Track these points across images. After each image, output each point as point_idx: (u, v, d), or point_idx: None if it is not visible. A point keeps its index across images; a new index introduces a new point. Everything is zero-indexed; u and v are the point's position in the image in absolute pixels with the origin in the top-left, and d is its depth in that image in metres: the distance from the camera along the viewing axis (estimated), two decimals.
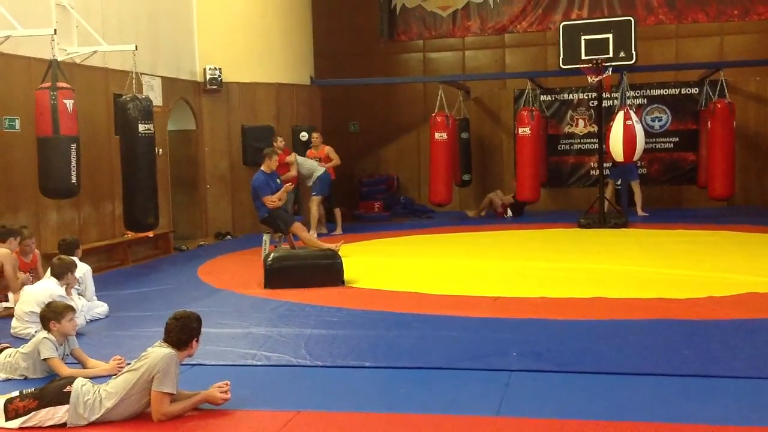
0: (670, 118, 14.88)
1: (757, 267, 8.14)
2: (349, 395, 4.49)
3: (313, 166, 11.98)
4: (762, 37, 15.11)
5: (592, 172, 14.71)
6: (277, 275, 7.74)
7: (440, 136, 13.64)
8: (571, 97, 15.28)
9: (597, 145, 12.93)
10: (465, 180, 14.95)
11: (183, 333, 4.19)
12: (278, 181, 9.41)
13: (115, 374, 4.39)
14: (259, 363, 5.16)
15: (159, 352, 4.12)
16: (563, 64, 12.18)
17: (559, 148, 15.32)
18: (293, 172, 11.74)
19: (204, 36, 12.60)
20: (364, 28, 16.24)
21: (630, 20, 11.98)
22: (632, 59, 11.82)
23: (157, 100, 10.81)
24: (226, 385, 4.26)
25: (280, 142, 12.07)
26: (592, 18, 13.73)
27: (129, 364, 4.33)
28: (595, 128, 13.75)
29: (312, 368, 5.03)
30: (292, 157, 11.92)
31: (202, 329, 4.34)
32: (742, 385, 4.43)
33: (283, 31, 13.22)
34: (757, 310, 6.15)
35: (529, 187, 13.47)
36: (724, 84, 13.36)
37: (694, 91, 14.72)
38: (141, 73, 10.12)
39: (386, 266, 9.20)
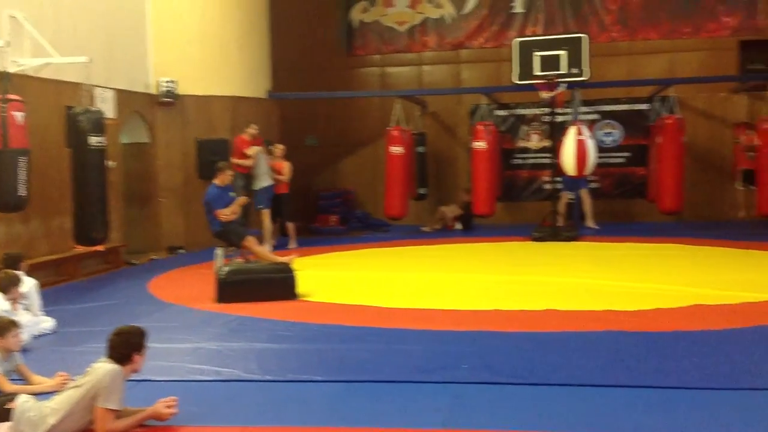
0: (621, 133, 15.14)
1: (705, 280, 8.30)
2: (299, 410, 4.47)
3: (264, 171, 11.94)
4: (712, 54, 15.44)
5: (546, 186, 14.88)
6: (230, 289, 7.67)
7: (396, 150, 13.69)
8: (525, 112, 15.46)
9: (550, 160, 13.09)
10: (421, 194, 15.01)
11: (125, 348, 4.13)
12: (231, 194, 9.36)
13: (60, 390, 4.30)
14: (208, 378, 5.11)
15: (103, 367, 4.05)
16: (517, 80, 12.33)
17: (513, 162, 15.50)
18: (248, 162, 11.74)
19: (159, 48, 12.48)
20: (322, 42, 16.26)
21: (583, 37, 12.17)
22: (585, 76, 12.01)
23: (110, 112, 10.68)
24: (173, 400, 4.20)
25: (253, 128, 12.05)
26: (546, 35, 13.91)
27: (74, 380, 4.25)
28: (548, 143, 13.92)
29: (262, 383, 5.00)
30: (254, 150, 11.86)
31: (149, 344, 4.28)
32: (691, 396, 4.50)
33: (240, 44, 13.17)
34: (704, 322, 6.27)
35: (485, 201, 13.57)
36: (674, 100, 13.62)
37: (645, 107, 15.00)
38: (94, 86, 10.00)
39: (341, 280, 9.19)
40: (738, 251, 10.55)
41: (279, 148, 12.52)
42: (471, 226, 14.28)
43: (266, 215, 11.78)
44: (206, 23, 12.73)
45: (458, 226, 14.21)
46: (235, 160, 11.75)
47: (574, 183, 13.44)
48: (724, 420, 4.09)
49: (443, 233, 13.87)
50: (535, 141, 15.44)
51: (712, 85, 15.09)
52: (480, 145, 13.43)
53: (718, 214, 14.57)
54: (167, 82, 12.29)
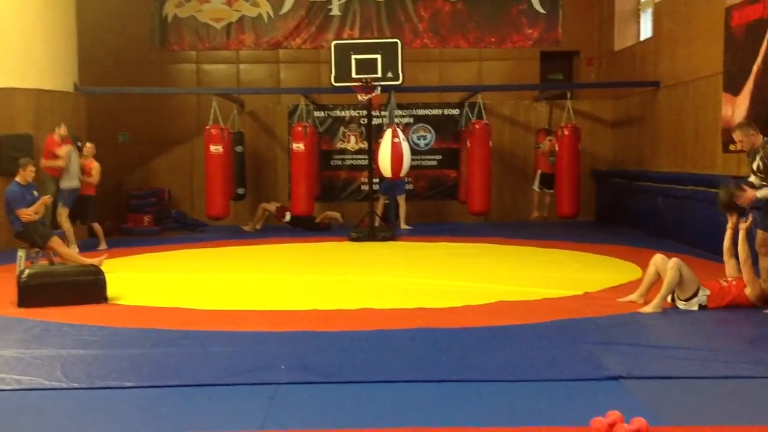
0: (434, 137, 15.73)
1: (508, 277, 8.79)
2: (108, 417, 4.31)
3: (75, 171, 11.40)
4: (516, 63, 16.42)
5: (363, 187, 15.18)
6: (33, 293, 7.25)
7: (215, 149, 13.49)
8: (343, 114, 15.70)
9: (367, 161, 13.37)
10: (239, 194, 14.86)
11: None
12: (35, 193, 8.85)
13: None
14: (8, 387, 4.80)
15: None
16: (335, 82, 12.51)
17: (331, 163, 15.69)
18: (60, 162, 11.14)
19: None
20: (135, 36, 15.71)
21: (397, 43, 12.53)
22: (399, 80, 12.38)
23: None
24: None
25: (63, 129, 11.42)
26: (362, 38, 14.19)
27: None
28: (365, 145, 14.21)
29: (68, 391, 4.76)
30: (65, 150, 11.24)
31: None
32: (495, 387, 4.73)
33: (44, 35, 12.42)
34: (507, 317, 6.62)
35: (304, 202, 13.66)
36: (482, 106, 14.32)
37: (455, 112, 15.66)
38: None
39: (154, 282, 8.92)
40: (539, 250, 11.25)
41: (88, 147, 11.97)
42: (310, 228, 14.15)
43: (64, 215, 11.23)
44: (6, 12, 11.90)
45: (287, 218, 14.14)
46: (45, 162, 11.10)
47: (391, 187, 13.81)
48: (523, 410, 4.35)
49: (264, 233, 13.79)
50: (352, 143, 15.71)
51: (516, 92, 16.04)
52: (299, 146, 13.49)
53: (522, 215, 15.47)
54: None
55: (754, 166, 6.95)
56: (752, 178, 6.97)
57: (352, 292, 7.97)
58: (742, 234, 6.91)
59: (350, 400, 4.54)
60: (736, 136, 7.15)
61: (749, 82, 9.92)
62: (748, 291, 6.84)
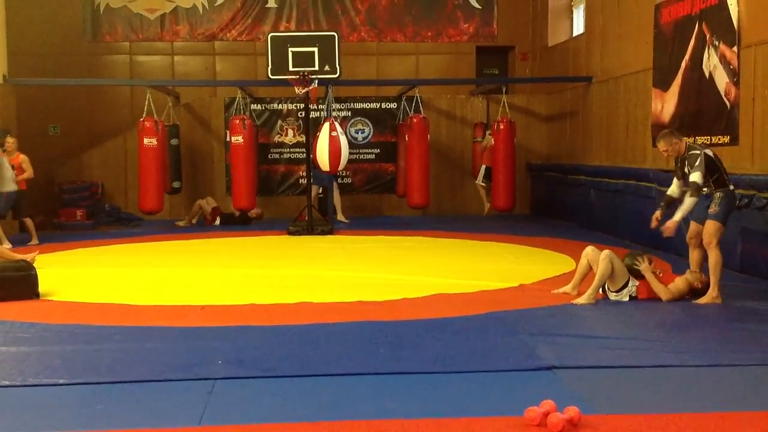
0: (372, 130, 15.77)
1: (446, 270, 8.87)
2: (40, 415, 4.22)
3: (8, 176, 11.09)
4: (452, 58, 16.56)
5: (301, 180, 15.14)
6: None
7: (149, 141, 13.28)
8: (280, 107, 15.62)
9: (305, 155, 13.33)
10: (175, 187, 14.66)
11: None
12: None
13: None
14: None
15: None
16: (272, 75, 12.43)
17: (269, 156, 15.60)
18: None
19: None
20: (66, 26, 15.35)
21: (334, 36, 12.52)
22: (336, 73, 12.37)
23: None
24: None
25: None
26: (299, 31, 14.13)
27: None
28: (303, 138, 14.16)
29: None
30: None
31: None
32: (432, 379, 4.78)
33: None
34: (445, 310, 6.68)
35: (245, 196, 13.55)
36: (420, 100, 14.41)
37: (393, 105, 15.73)
38: None
39: (88, 277, 8.74)
40: (475, 243, 11.38)
41: (10, 143, 11.64)
42: (249, 223, 14.04)
43: None
44: None
45: (217, 222, 14.04)
46: None
47: (322, 178, 13.79)
48: (459, 400, 4.41)
49: (200, 228, 13.67)
50: (290, 136, 15.65)
51: (453, 87, 16.20)
52: (237, 139, 13.38)
53: (459, 209, 15.64)
54: None
55: (687, 171, 7.07)
56: (695, 177, 6.91)
57: (290, 286, 7.94)
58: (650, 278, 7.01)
59: (288, 394, 4.54)
60: (661, 146, 7.24)
61: (678, 77, 10.21)
62: (663, 298, 6.99)
